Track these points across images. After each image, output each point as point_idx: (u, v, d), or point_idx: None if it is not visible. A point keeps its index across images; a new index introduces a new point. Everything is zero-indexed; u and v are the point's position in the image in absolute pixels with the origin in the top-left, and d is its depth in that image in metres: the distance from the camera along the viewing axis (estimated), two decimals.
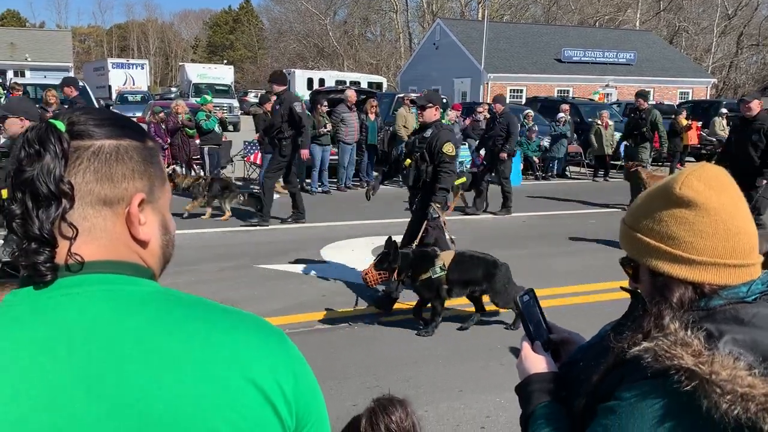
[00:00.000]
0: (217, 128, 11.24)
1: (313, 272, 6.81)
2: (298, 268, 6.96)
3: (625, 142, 11.59)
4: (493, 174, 10.77)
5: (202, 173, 11.37)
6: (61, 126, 0.85)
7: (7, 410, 0.75)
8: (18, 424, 0.75)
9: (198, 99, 14.62)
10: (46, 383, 0.76)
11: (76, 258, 0.83)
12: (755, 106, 7.56)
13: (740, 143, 7.64)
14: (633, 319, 1.13)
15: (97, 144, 0.86)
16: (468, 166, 14.34)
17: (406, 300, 5.96)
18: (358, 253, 7.65)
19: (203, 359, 0.80)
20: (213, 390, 0.79)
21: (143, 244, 0.89)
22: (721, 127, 16.66)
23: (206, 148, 11.15)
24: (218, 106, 15.59)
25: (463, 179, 10.36)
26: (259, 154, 12.04)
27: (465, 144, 14.14)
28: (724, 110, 17.86)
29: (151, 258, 0.91)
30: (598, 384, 1.11)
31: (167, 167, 10.26)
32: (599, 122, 14.80)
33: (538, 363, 1.29)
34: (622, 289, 1.27)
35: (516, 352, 1.37)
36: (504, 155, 10.43)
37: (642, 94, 11.80)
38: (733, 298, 1.08)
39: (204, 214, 9.23)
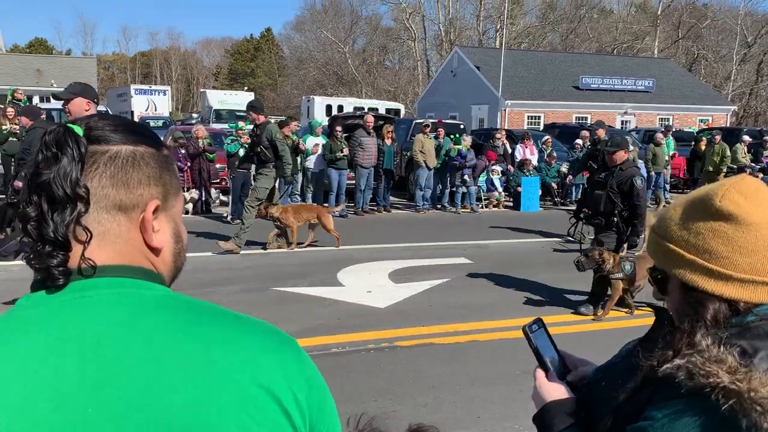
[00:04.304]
0: (242, 152, 11.32)
1: (329, 295, 6.78)
2: (314, 291, 6.94)
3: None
4: None
5: (221, 197, 11.45)
6: (78, 130, 0.85)
7: (19, 414, 0.74)
8: (30, 428, 0.74)
9: (230, 124, 14.72)
10: (57, 387, 0.76)
11: (89, 262, 0.82)
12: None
13: None
14: (663, 335, 1.08)
15: (114, 149, 0.86)
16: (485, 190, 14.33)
17: (425, 324, 5.90)
18: (374, 277, 7.62)
19: (217, 364, 0.79)
20: (227, 395, 0.78)
21: (156, 251, 0.89)
22: (743, 154, 16.65)
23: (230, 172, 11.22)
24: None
25: None
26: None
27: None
28: (746, 137, 17.81)
29: (162, 266, 0.91)
30: (625, 403, 1.07)
31: (186, 191, 10.36)
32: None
33: (554, 391, 1.25)
34: (648, 305, 1.23)
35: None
36: None
37: (253, 106, 8.60)
38: (766, 314, 1.04)
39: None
